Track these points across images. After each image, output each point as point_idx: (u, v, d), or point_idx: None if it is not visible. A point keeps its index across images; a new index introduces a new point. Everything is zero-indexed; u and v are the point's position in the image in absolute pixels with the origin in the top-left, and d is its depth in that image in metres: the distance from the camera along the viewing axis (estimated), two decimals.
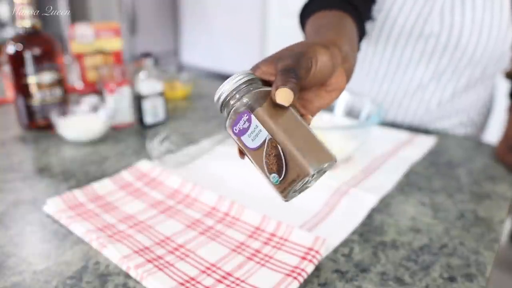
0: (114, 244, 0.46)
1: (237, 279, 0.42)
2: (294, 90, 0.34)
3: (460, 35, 0.76)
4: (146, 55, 0.83)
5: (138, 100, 0.85)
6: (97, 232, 0.48)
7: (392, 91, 0.88)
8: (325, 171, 0.37)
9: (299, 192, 0.37)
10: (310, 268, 0.43)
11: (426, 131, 0.88)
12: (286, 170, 0.33)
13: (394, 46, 0.82)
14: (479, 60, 0.78)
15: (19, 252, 0.46)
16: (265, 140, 0.34)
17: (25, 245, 0.47)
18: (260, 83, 0.38)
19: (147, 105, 0.85)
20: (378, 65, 0.87)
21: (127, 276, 0.43)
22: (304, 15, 0.64)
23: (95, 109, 0.84)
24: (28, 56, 0.76)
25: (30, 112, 0.80)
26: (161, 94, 0.86)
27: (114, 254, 0.45)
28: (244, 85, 0.37)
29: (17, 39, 0.77)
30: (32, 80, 0.78)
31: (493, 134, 1.89)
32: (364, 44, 0.86)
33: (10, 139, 0.78)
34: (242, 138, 0.35)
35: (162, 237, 0.48)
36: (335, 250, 0.47)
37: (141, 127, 0.86)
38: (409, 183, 0.64)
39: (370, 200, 0.57)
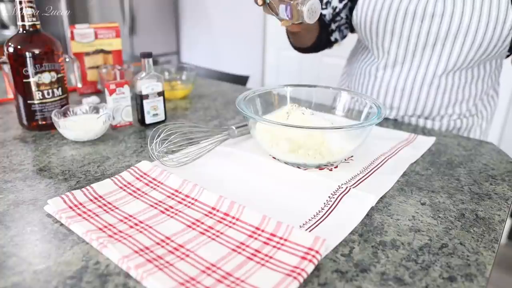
0: (114, 244, 0.46)
1: (237, 279, 0.42)
2: None
3: (461, 19, 0.82)
4: (146, 55, 0.83)
5: (138, 100, 0.85)
6: (97, 232, 0.48)
7: (408, 80, 0.93)
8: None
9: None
10: (310, 268, 0.43)
11: (426, 131, 0.88)
12: None
13: (402, 26, 0.88)
14: (480, 43, 0.83)
15: (19, 252, 0.46)
16: None
17: (25, 245, 0.47)
18: None
19: (147, 105, 0.85)
20: (391, 52, 0.93)
21: (127, 276, 0.43)
22: None
23: (95, 109, 0.84)
24: (28, 56, 0.76)
25: (30, 112, 0.80)
26: (161, 94, 0.86)
27: (114, 254, 0.45)
28: None
29: (17, 39, 0.77)
30: (32, 80, 0.78)
31: (496, 129, 1.90)
32: (376, 39, 0.94)
33: (10, 139, 0.78)
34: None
35: (162, 237, 0.48)
36: (335, 250, 0.47)
37: (141, 127, 0.86)
38: (409, 183, 0.64)
39: (370, 200, 0.57)
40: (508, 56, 0.93)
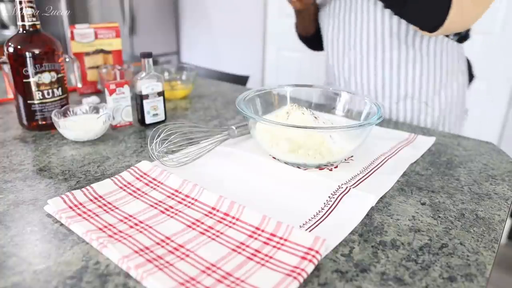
0: (114, 244, 0.46)
1: (237, 279, 0.42)
2: None
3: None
4: (146, 55, 0.83)
5: (138, 100, 0.85)
6: (97, 232, 0.48)
7: (357, 59, 1.00)
8: None
9: None
10: (310, 268, 0.43)
11: (426, 131, 0.88)
12: None
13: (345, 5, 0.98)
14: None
15: (19, 252, 0.46)
16: None
17: (25, 245, 0.47)
18: None
19: (147, 105, 0.85)
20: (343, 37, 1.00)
21: (127, 276, 0.43)
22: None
23: (95, 109, 0.84)
24: (28, 56, 0.76)
25: (30, 112, 0.80)
26: (161, 94, 0.86)
27: (114, 254, 0.45)
28: None
29: (17, 39, 0.77)
30: (32, 80, 0.78)
31: (497, 129, 1.89)
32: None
33: (10, 139, 0.78)
34: None
35: (162, 237, 0.48)
36: (335, 250, 0.47)
37: (141, 127, 0.86)
38: (409, 183, 0.64)
39: (370, 200, 0.57)
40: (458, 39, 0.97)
